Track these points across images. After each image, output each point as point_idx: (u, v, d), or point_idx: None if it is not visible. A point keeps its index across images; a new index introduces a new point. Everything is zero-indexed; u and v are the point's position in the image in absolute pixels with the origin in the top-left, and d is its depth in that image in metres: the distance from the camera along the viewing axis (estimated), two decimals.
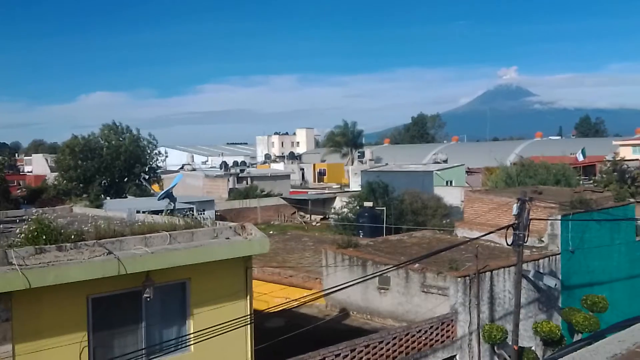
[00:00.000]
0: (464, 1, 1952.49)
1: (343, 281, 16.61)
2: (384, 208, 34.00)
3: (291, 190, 61.51)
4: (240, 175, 62.73)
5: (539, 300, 19.89)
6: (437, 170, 51.82)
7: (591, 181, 42.05)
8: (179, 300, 11.52)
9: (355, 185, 59.51)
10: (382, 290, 19.24)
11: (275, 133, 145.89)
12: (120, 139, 49.90)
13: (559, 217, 21.13)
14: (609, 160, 44.68)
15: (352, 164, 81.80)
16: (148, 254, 10.31)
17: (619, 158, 44.89)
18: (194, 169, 68.49)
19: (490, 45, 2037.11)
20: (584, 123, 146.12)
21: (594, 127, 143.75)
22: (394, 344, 15.57)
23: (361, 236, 30.33)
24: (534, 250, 20.84)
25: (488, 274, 18.25)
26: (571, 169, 39.39)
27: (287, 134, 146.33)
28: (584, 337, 18.85)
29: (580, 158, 53.27)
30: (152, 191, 44.42)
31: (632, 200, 29.81)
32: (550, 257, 20.65)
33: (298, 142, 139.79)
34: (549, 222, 21.29)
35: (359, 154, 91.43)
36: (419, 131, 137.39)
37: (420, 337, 16.29)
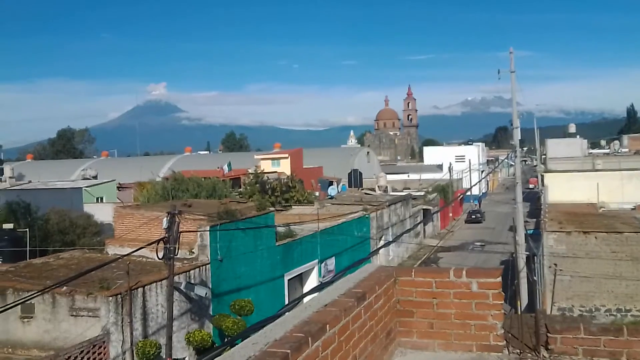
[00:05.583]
0: (107, 14, 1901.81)
1: None
2: (27, 230, 31.22)
3: None
4: None
5: (191, 310, 20.43)
6: (87, 186, 49.59)
7: (237, 193, 44.67)
8: None
9: None
10: (26, 320, 17.66)
11: None
12: None
13: (208, 228, 22.04)
14: (251, 173, 48.16)
15: None
16: None
17: (260, 171, 48.72)
18: None
19: (139, 60, 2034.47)
20: (229, 139, 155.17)
21: (239, 143, 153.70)
22: None
23: (1, 262, 27.45)
24: (185, 262, 21.36)
25: (140, 290, 18.11)
26: (221, 182, 41.39)
27: None
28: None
29: (227, 171, 56.42)
30: None
31: (272, 208, 32.67)
32: (201, 267, 21.40)
33: None
34: (199, 233, 22.06)
35: None
36: (65, 146, 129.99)
37: None
